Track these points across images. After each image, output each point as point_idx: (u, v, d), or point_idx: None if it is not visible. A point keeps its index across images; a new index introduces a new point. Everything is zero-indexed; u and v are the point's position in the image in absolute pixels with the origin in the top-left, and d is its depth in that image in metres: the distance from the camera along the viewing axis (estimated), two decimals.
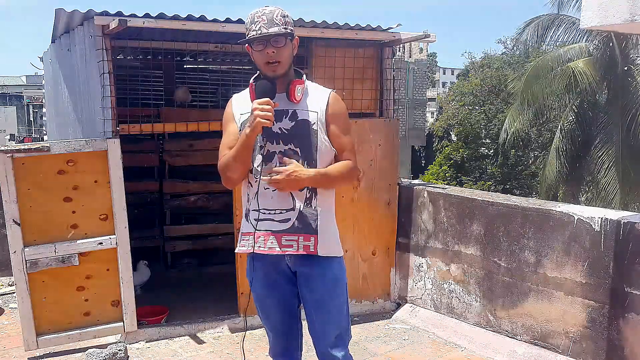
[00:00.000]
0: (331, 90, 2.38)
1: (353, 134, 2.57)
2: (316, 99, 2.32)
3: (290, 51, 2.27)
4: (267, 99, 2.18)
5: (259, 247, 2.30)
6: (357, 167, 2.39)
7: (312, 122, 2.28)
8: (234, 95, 2.43)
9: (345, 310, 2.41)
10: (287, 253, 2.29)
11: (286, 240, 2.29)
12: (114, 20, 3.63)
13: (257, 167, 2.28)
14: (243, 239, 2.37)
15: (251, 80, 2.32)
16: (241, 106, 2.34)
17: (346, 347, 2.41)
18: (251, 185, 2.33)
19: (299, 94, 2.28)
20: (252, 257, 2.38)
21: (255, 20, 2.21)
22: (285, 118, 2.28)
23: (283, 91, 2.27)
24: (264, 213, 2.29)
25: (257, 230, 2.29)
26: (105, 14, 3.71)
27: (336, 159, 2.35)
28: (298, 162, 2.26)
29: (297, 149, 2.28)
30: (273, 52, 2.21)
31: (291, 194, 2.27)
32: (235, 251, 2.47)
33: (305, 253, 2.29)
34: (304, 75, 2.36)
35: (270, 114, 2.15)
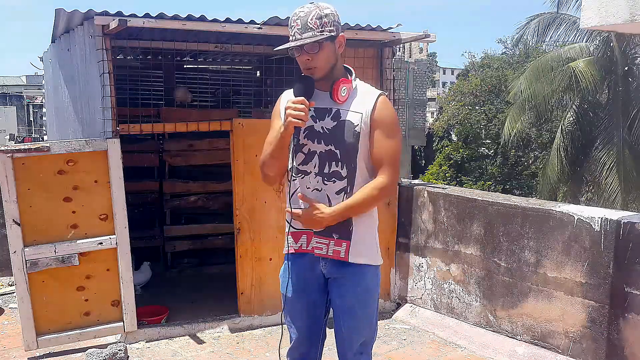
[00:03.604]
0: (380, 92, 2.26)
1: None
2: (363, 100, 2.22)
3: (327, 54, 2.15)
4: (302, 97, 2.11)
5: (292, 245, 2.29)
6: (391, 183, 2.23)
7: (355, 124, 2.19)
8: (284, 92, 2.35)
9: (374, 319, 2.37)
10: (316, 254, 2.26)
11: (317, 242, 2.25)
12: (114, 20, 3.63)
13: (297, 165, 2.24)
14: (286, 240, 2.34)
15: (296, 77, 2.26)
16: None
17: (369, 353, 2.38)
18: (289, 184, 2.28)
19: (343, 94, 2.19)
20: (287, 258, 2.34)
21: (292, 24, 2.13)
22: (327, 117, 2.20)
23: (327, 90, 2.20)
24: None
25: (293, 228, 2.27)
26: (105, 14, 3.71)
27: (374, 166, 2.23)
28: (337, 165, 2.20)
29: (337, 151, 2.20)
30: (308, 59, 2.13)
31: (327, 196, 2.22)
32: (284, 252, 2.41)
33: (334, 258, 2.24)
34: (353, 74, 2.27)
35: (302, 113, 2.08)
